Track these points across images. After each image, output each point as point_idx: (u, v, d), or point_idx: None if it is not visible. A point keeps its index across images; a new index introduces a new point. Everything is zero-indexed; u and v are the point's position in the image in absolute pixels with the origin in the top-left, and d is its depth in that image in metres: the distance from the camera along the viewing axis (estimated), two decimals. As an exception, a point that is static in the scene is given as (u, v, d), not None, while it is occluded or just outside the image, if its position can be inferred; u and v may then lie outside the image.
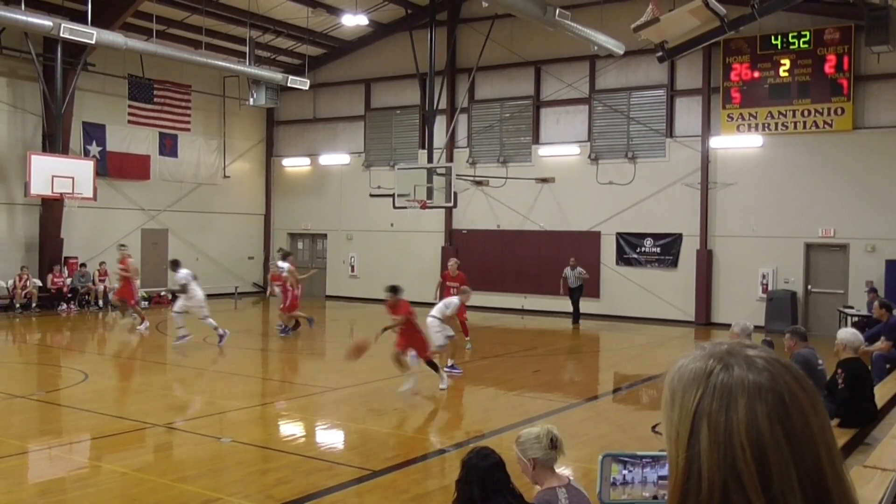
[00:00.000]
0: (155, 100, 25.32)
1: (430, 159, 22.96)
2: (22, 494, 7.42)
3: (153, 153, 25.78)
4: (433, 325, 12.94)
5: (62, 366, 15.22)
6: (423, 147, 25.17)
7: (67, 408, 11.33)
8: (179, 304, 16.55)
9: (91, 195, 22.27)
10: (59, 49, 21.72)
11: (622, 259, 22.94)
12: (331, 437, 10.07)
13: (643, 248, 22.61)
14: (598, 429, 10.35)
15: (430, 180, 21.54)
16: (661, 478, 1.74)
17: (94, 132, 24.30)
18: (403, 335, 11.80)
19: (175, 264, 17.20)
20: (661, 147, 22.46)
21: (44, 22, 18.26)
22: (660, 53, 14.55)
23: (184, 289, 16.58)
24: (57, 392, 12.51)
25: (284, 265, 18.27)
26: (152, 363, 15.58)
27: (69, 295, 22.91)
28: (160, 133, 25.94)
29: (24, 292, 21.69)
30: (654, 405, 11.76)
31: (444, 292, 16.52)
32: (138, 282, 19.79)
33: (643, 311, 22.08)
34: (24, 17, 18.13)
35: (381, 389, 12.48)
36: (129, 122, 24.77)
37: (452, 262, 17.47)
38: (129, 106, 24.68)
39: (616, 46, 19.61)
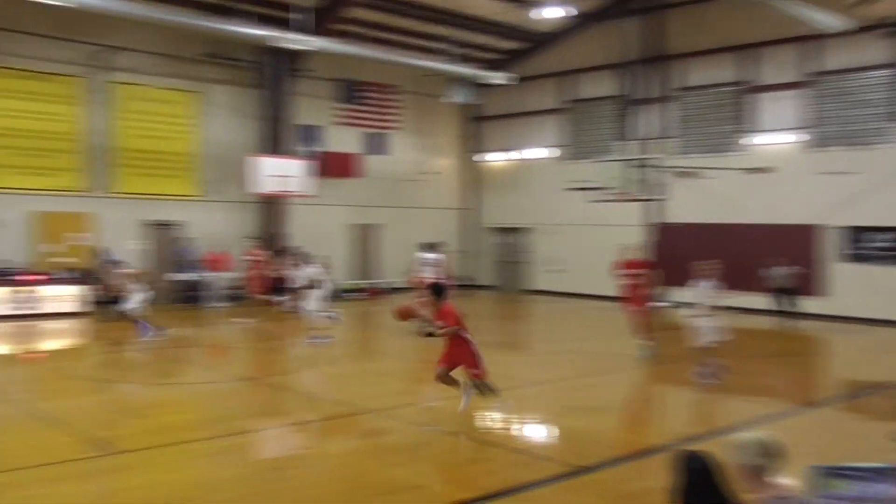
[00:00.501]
0: (361, 101, 26.43)
1: (631, 151, 22.39)
2: (246, 470, 7.96)
3: (362, 152, 26.97)
4: (703, 321, 12.11)
5: (284, 352, 16.26)
6: (622, 139, 24.60)
7: (291, 391, 12.08)
8: (312, 302, 16.50)
9: (309, 193, 23.77)
10: (274, 56, 23.30)
11: (847, 255, 21.22)
12: (533, 432, 10.02)
13: (873, 244, 20.77)
14: (822, 438, 9.60)
15: (633, 173, 21.00)
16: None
17: (310, 134, 25.78)
18: (450, 349, 9.83)
19: (304, 258, 17.72)
20: (891, 132, 20.55)
21: (263, 32, 19.65)
22: (885, 30, 13.26)
23: (313, 285, 16.59)
24: (284, 376, 13.40)
25: (432, 256, 18.06)
26: (358, 352, 16.25)
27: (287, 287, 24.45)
28: (368, 132, 27.08)
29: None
30: (887, 415, 10.77)
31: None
32: (268, 274, 20.72)
33: (871, 312, 20.28)
34: (245, 29, 19.65)
35: (585, 385, 12.30)
36: (338, 123, 26.01)
37: (631, 247, 15.74)
38: (338, 107, 25.92)
39: (833, 23, 18.13)
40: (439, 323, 9.74)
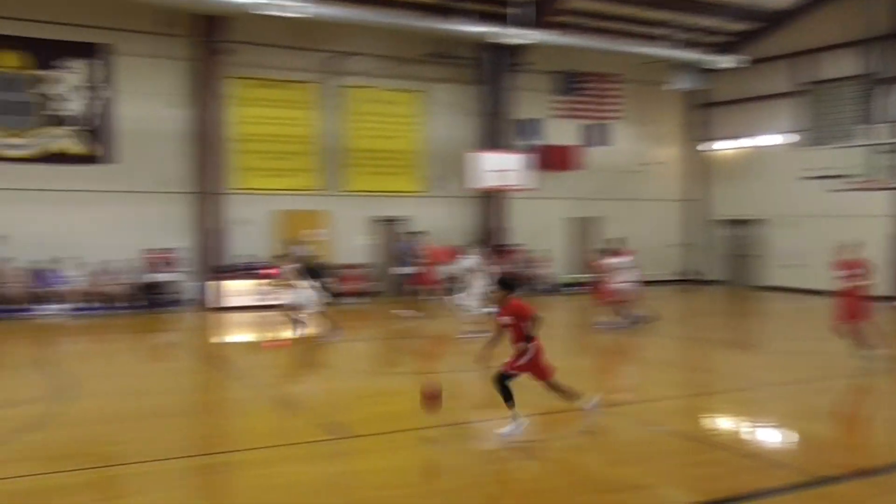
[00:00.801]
0: (581, 92, 26.08)
1: (879, 134, 20.38)
2: (468, 459, 8.05)
3: (581, 144, 26.62)
4: None
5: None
6: (868, 122, 22.46)
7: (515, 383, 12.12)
8: (466, 296, 15.96)
9: (528, 187, 23.86)
10: (493, 52, 23.55)
11: None
12: (765, 436, 9.37)
13: None
14: None
15: (880, 158, 19.12)
16: None
17: (529, 127, 25.83)
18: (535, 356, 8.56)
19: (467, 249, 17.31)
20: None
21: (483, 29, 19.93)
22: None
23: (468, 277, 16.13)
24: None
25: (623, 260, 17.10)
26: (574, 346, 16.03)
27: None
28: (588, 124, 26.68)
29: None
30: None
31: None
32: (438, 268, 20.36)
33: None
34: (465, 27, 20.05)
35: (823, 389, 11.35)
36: (557, 115, 25.83)
37: (849, 244, 13.41)
38: (557, 100, 25.74)
39: None
40: (504, 319, 8.55)
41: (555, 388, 8.71)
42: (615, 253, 17.53)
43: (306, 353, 14.95)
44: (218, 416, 10.53)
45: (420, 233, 21.69)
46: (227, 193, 21.86)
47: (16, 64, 19.92)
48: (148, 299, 20.20)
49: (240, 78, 22.12)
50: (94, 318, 18.98)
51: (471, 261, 16.65)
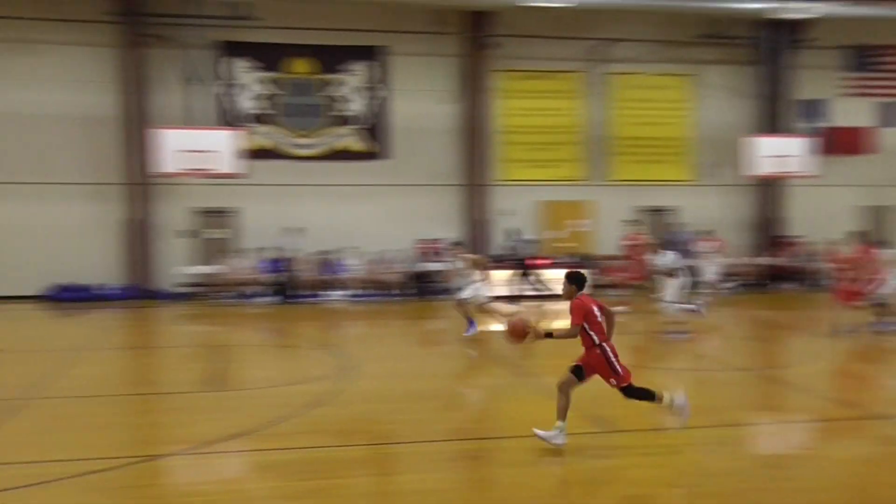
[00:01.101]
0: (875, 67, 23.57)
1: None
2: (741, 463, 7.51)
3: (876, 125, 24.08)
4: None
5: (779, 343, 15.25)
6: None
7: (785, 385, 11.23)
8: (670, 292, 14.99)
9: (811, 173, 22.03)
10: (772, 30, 21.93)
11: None
12: None
13: None
14: None
15: None
16: None
17: (812, 108, 23.81)
18: (584, 353, 7.77)
19: (667, 246, 15.94)
20: None
21: (762, 6, 18.60)
22: None
23: (672, 273, 15.03)
24: (779, 370, 12.54)
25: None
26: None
27: (793, 274, 22.93)
28: (884, 102, 24.07)
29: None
30: None
31: None
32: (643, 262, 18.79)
33: None
34: (742, 5, 18.83)
35: None
36: (847, 94, 23.56)
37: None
38: (846, 77, 23.47)
39: None
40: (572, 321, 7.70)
41: (562, 386, 7.73)
42: (875, 245, 15.55)
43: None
44: (486, 401, 10.74)
45: (684, 224, 20.66)
46: (493, 185, 22.37)
47: (306, 70, 21.76)
48: (418, 287, 21.19)
49: (505, 71, 22.51)
50: (371, 305, 20.24)
51: (668, 258, 15.62)
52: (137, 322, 18.04)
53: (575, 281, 7.82)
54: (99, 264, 20.87)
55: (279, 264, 20.42)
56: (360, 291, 20.96)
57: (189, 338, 16.56)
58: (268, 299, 20.25)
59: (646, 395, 7.80)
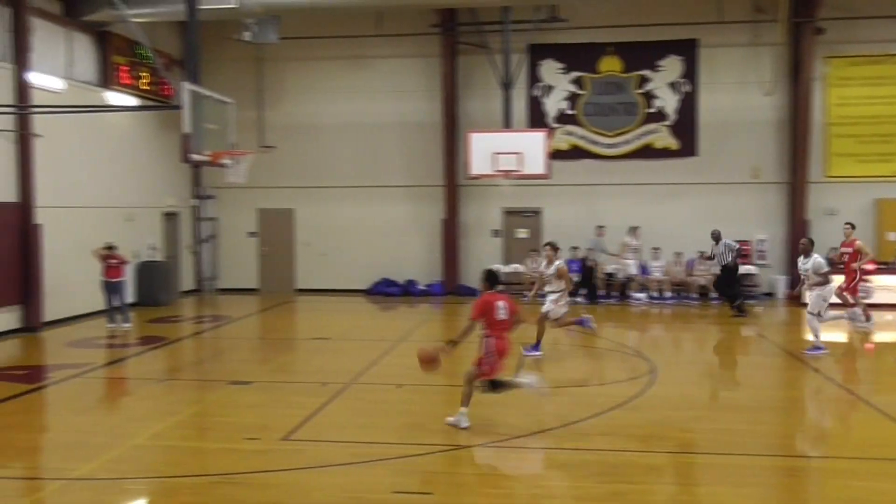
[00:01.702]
0: None
1: None
2: None
3: None
4: None
5: None
6: None
7: None
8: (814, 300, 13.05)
9: None
10: None
11: None
12: None
13: None
14: None
15: None
16: None
17: None
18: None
19: (810, 245, 13.25)
20: None
21: None
22: None
23: (825, 278, 12.94)
24: None
25: None
26: None
27: None
28: None
29: None
30: None
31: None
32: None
33: None
34: None
35: None
36: None
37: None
38: None
39: None
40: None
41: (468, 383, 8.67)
42: None
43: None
44: (800, 416, 9.96)
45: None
46: (819, 182, 20.62)
47: (613, 68, 21.64)
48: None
49: (833, 57, 20.62)
50: (676, 308, 19.58)
51: (819, 260, 13.18)
52: (449, 317, 19.13)
53: (486, 279, 8.87)
54: (418, 262, 22.43)
55: (582, 264, 20.50)
56: (666, 294, 20.36)
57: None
58: (573, 299, 20.40)
59: (504, 385, 8.71)
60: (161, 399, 10.59)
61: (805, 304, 13.83)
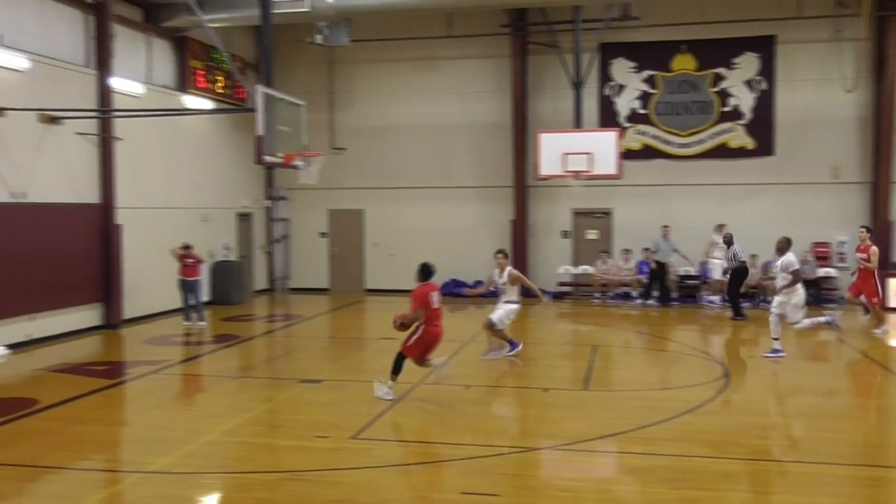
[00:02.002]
0: None
1: None
2: None
3: None
4: None
5: None
6: None
7: None
8: (777, 301, 12.92)
9: None
10: None
11: None
12: None
13: None
14: None
15: None
16: None
17: None
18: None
19: (787, 244, 12.90)
20: None
21: None
22: None
23: (795, 277, 12.68)
24: None
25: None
26: None
27: None
28: None
29: None
30: None
31: None
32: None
33: None
34: None
35: None
36: None
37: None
38: None
39: None
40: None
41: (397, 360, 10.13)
42: None
43: None
44: (881, 424, 9.61)
45: None
46: (907, 182, 19.91)
47: (687, 66, 21.24)
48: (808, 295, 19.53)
49: (920, 52, 19.84)
50: (752, 311, 19.10)
51: (781, 260, 12.88)
52: (517, 317, 19.02)
53: (421, 272, 10.22)
54: (487, 263, 22.32)
55: (653, 265, 20.18)
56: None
57: (564, 335, 17.08)
58: (644, 301, 20.12)
59: (397, 366, 10.07)
60: (234, 396, 10.82)
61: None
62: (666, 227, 20.09)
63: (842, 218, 20.41)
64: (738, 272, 17.83)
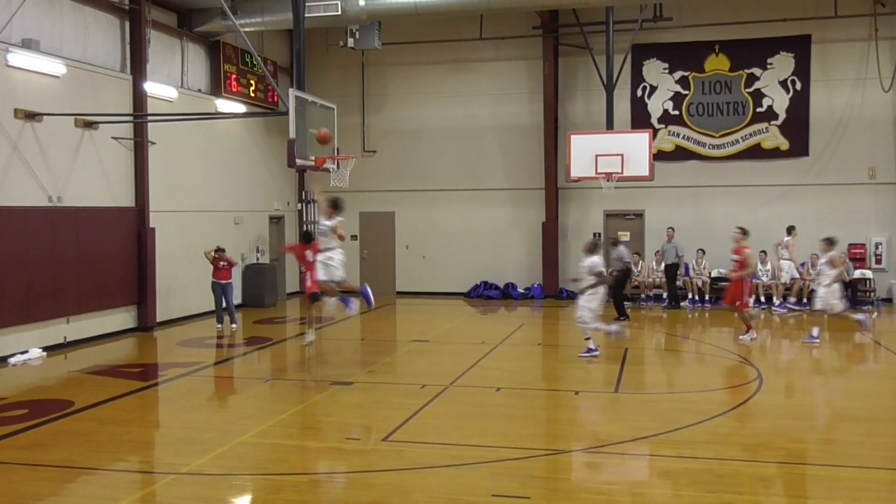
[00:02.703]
0: None
1: None
2: None
3: None
4: None
5: None
6: None
7: None
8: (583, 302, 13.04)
9: None
10: None
11: None
12: None
13: None
14: None
15: None
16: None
17: None
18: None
19: (594, 245, 13.16)
20: None
21: None
22: None
23: (600, 278, 12.93)
24: None
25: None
26: None
27: None
28: None
29: None
30: None
31: None
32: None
33: None
34: None
35: None
36: None
37: None
38: None
39: None
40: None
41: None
42: None
43: None
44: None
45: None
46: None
47: (720, 67, 21.03)
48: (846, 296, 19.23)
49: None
50: (784, 313, 18.84)
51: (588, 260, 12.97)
52: (547, 320, 18.98)
53: (303, 237, 14.43)
54: (518, 265, 22.34)
55: (681, 268, 19.99)
56: (774, 299, 19.63)
57: (595, 338, 16.93)
58: (674, 303, 19.94)
59: (317, 299, 13.39)
60: (267, 398, 10.88)
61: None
62: (671, 228, 19.97)
63: (878, 219, 20.08)
64: (622, 274, 17.94)
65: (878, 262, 19.88)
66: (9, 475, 7.48)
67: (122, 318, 16.19)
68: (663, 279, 20.21)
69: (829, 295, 14.20)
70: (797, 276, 19.33)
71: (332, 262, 12.83)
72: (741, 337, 14.60)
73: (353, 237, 23.62)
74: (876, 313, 18.37)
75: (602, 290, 13.11)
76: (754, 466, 7.48)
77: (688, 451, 7.89)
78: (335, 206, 12.86)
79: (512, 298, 21.80)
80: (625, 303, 18.14)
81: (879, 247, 19.95)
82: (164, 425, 9.94)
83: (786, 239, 19.18)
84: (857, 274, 19.43)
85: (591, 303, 12.90)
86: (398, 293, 23.12)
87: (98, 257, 15.31)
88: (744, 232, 15.08)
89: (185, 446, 8.32)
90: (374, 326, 18.58)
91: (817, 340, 14.19)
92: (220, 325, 16.62)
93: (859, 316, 14.51)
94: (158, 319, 16.87)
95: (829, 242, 14.49)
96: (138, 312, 16.55)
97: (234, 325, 16.66)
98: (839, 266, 14.59)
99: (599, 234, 13.34)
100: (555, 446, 8.33)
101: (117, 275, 15.89)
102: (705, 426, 8.84)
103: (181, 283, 17.52)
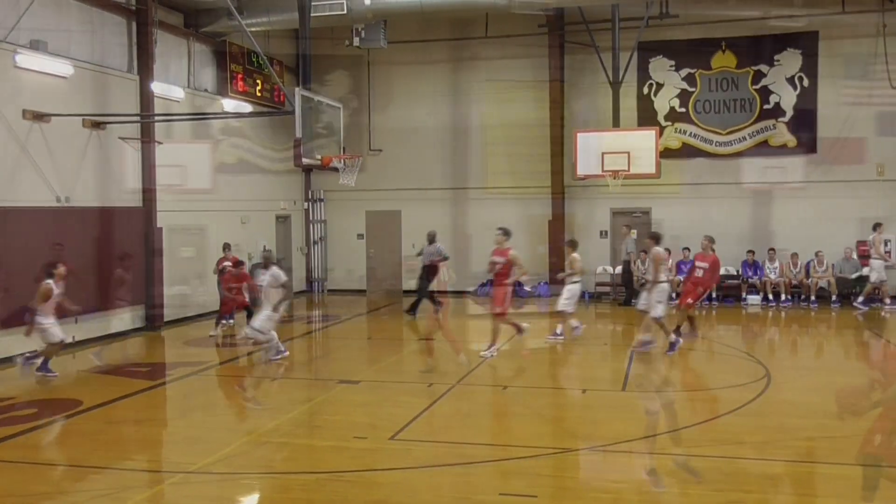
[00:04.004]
0: None
1: None
2: None
3: None
4: None
5: None
6: None
7: None
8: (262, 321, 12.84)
9: None
10: None
11: None
12: None
13: None
14: None
15: None
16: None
17: None
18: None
19: (270, 260, 12.91)
20: None
21: None
22: None
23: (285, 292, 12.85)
24: None
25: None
26: None
27: None
28: None
29: None
30: None
31: None
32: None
33: None
34: None
35: None
36: None
37: None
38: None
39: None
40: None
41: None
42: None
43: None
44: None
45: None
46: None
47: (726, 64, 20.95)
48: (852, 294, 19.16)
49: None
50: (793, 311, 18.78)
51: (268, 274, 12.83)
52: (554, 318, 18.92)
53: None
54: (524, 263, 22.24)
55: (688, 266, 19.92)
56: (782, 296, 19.55)
57: (603, 336, 16.93)
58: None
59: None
60: (273, 397, 10.90)
61: None
62: (628, 226, 20.03)
63: (886, 216, 19.96)
64: (433, 269, 18.11)
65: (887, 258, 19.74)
66: (18, 474, 7.52)
67: (129, 317, 16.21)
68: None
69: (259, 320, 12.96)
70: (885, 277, 18.41)
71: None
72: (482, 353, 12.84)
73: (360, 236, 23.65)
74: (885, 312, 18.29)
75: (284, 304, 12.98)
76: (763, 465, 7.45)
77: (695, 450, 7.88)
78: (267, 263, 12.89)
79: (519, 297, 21.74)
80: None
81: (888, 244, 19.83)
82: (172, 424, 9.96)
83: (871, 236, 18.62)
84: (865, 272, 19.32)
85: (274, 315, 12.76)
86: (405, 292, 23.11)
87: (105, 257, 15.34)
88: (506, 233, 13.55)
89: (193, 445, 8.34)
90: (380, 325, 18.60)
91: None
92: (226, 324, 16.55)
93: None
94: (166, 319, 16.90)
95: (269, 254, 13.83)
96: (145, 312, 16.57)
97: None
98: None
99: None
100: (562, 445, 8.33)
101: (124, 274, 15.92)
102: (712, 424, 8.83)
103: (188, 282, 17.54)
